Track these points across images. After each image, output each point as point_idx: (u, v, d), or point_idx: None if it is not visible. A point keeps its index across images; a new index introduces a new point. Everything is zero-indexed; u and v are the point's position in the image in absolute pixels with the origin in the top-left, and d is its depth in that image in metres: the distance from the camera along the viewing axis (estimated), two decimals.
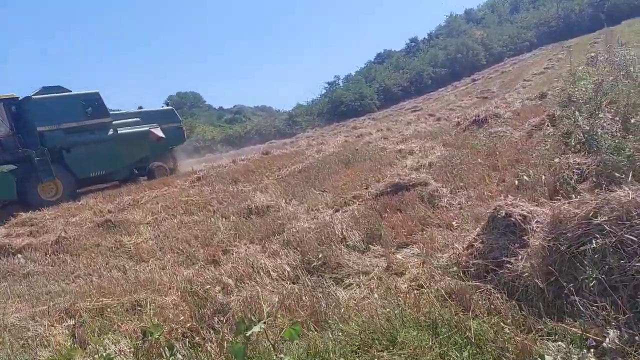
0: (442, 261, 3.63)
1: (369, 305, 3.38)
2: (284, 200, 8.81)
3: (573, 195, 4.35)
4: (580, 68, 9.10)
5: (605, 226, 2.64)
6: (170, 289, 5.13)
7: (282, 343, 2.85)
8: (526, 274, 2.85)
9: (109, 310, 4.72)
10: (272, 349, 2.26)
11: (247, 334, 2.11)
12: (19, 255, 8.21)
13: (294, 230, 6.50)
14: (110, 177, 18.65)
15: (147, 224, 9.31)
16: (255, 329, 2.09)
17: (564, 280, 2.69)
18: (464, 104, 28.84)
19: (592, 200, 2.87)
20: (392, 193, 6.71)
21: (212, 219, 8.62)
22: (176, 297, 4.80)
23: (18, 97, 16.98)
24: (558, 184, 4.56)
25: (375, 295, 3.76)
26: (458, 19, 73.75)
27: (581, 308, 2.49)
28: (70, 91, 18.08)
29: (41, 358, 3.68)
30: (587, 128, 5.05)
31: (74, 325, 4.66)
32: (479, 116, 10.66)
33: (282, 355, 2.23)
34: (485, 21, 70.98)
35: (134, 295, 4.97)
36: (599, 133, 4.73)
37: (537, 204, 3.62)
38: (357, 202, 7.31)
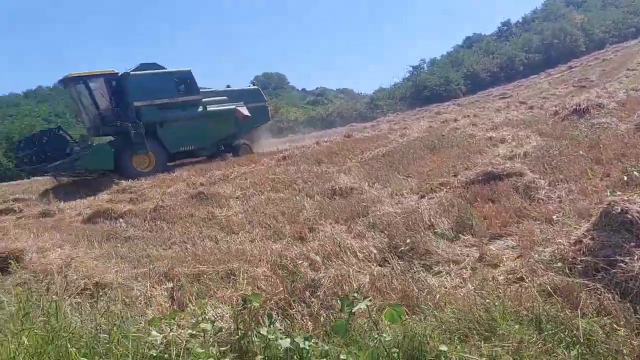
0: (545, 256, 3.49)
1: (465, 295, 3.33)
2: (367, 184, 8.83)
3: None
4: None
5: None
6: (260, 261, 5.32)
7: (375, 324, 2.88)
8: None
9: (204, 276, 4.97)
10: (373, 327, 2.29)
11: (353, 310, 2.15)
12: (121, 220, 8.84)
13: (378, 213, 6.51)
14: (198, 153, 19.53)
15: (237, 198, 9.67)
16: (361, 305, 2.13)
17: None
18: (558, 93, 27.27)
19: None
20: (483, 182, 6.52)
21: (297, 197, 8.81)
22: (266, 269, 4.97)
23: (118, 73, 18.08)
24: None
25: (469, 285, 3.70)
26: (557, 2, 69.34)
27: None
28: (165, 68, 18.98)
29: (148, 315, 3.96)
30: None
31: (172, 288, 4.96)
32: (580, 106, 10.02)
33: (384, 335, 2.26)
34: (587, 5, 66.23)
35: (228, 264, 5.20)
36: None
37: None
38: (445, 190, 7.18)
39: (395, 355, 2.24)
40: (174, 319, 3.51)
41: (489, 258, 4.24)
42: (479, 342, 2.61)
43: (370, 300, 2.23)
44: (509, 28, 73.42)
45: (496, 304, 2.86)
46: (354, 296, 2.30)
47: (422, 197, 7.24)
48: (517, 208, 5.28)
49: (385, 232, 5.46)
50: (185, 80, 19.01)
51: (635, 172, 5.04)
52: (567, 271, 3.17)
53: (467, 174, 6.99)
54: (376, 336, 2.24)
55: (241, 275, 4.80)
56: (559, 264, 3.29)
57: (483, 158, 8.24)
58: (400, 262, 4.61)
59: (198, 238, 7.31)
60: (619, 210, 3.08)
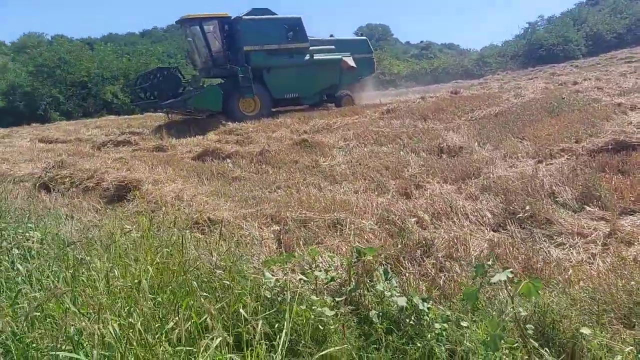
0: None
1: (598, 272, 3.06)
2: (477, 143, 8.42)
3: None
4: None
5: None
6: (365, 213, 5.27)
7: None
8: None
9: (311, 223, 5.02)
10: (509, 300, 2.14)
11: (491, 281, 2.01)
12: (228, 160, 9.16)
13: (492, 176, 6.19)
14: (302, 100, 19.66)
15: (340, 148, 9.65)
16: (501, 276, 1.98)
17: None
18: None
19: None
20: (613, 151, 5.94)
21: (402, 152, 8.61)
22: (372, 222, 4.92)
23: (231, 17, 18.38)
24: None
25: (600, 262, 3.40)
26: None
27: None
28: (276, 14, 19.04)
29: (259, 255, 4.06)
30: None
31: (279, 230, 5.08)
32: None
33: (520, 309, 2.10)
34: None
35: (333, 213, 5.19)
36: None
37: None
38: (566, 156, 6.65)
39: (530, 332, 2.09)
40: (286, 263, 3.57)
41: (621, 235, 3.87)
42: (620, 328, 2.38)
43: (512, 271, 2.06)
44: None
45: None
46: (488, 264, 2.15)
47: (540, 162, 6.77)
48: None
49: (501, 195, 5.17)
50: (294, 28, 18.89)
51: None
52: None
53: (593, 141, 6.41)
54: (511, 310, 2.09)
55: (347, 226, 4.80)
56: None
57: (612, 125, 7.51)
58: (519, 230, 4.36)
59: (302, 185, 7.40)
60: None
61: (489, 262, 2.18)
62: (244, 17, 18.08)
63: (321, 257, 3.91)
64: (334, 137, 10.55)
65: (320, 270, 3.23)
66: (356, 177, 7.49)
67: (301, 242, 4.55)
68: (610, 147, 5.99)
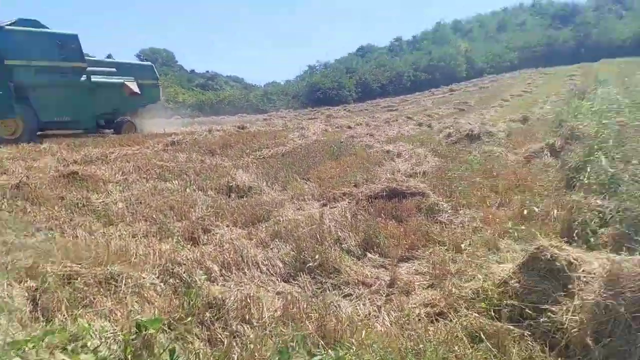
0: (466, 292, 3.35)
1: (387, 331, 3.08)
2: (265, 183, 8.42)
3: (592, 239, 4.19)
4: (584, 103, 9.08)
5: None
6: (146, 264, 4.69)
7: None
8: (574, 329, 2.61)
9: (78, 279, 4.23)
10: None
11: None
12: None
13: (281, 219, 6.15)
14: (74, 125, 17.69)
15: (117, 183, 8.72)
16: None
17: (618, 345, 2.47)
18: (441, 112, 29.00)
19: None
20: (387, 198, 6.43)
21: (188, 190, 8.15)
22: (154, 276, 4.37)
23: None
24: (576, 223, 4.38)
25: (385, 315, 3.47)
26: (446, 27, 74.25)
27: None
28: (48, 28, 16.99)
29: (8, 326, 3.20)
30: (612, 171, 4.91)
31: (36, 288, 4.17)
32: (472, 131, 10.52)
33: None
34: (472, 35, 71.76)
35: (107, 267, 4.48)
36: (626, 179, 4.58)
37: (583, 250, 3.40)
38: (347, 200, 7.00)
39: None
40: (43, 341, 2.85)
41: (401, 284, 4.06)
42: None
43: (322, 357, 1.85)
44: (400, 44, 77.20)
45: (428, 350, 2.63)
46: (291, 345, 1.91)
47: (325, 205, 7.01)
48: (423, 230, 5.22)
49: (291, 242, 5.10)
50: (69, 45, 17.18)
51: (535, 208, 5.22)
52: (493, 314, 3.05)
53: (371, 187, 6.88)
54: None
55: (124, 282, 4.16)
56: (483, 304, 3.16)
57: (383, 172, 8.23)
58: (308, 280, 4.30)
59: (69, 227, 6.39)
60: (549, 256, 3.02)
61: (291, 344, 1.93)
62: (6, 27, 15.65)
63: (91, 328, 3.24)
64: (110, 169, 9.53)
65: (87, 352, 2.63)
66: (136, 217, 6.78)
67: (64, 306, 3.76)
68: (384, 193, 6.50)
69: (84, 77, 17.52)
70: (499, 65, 60.46)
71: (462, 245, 4.60)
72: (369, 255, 4.87)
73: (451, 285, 3.65)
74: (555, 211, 5.04)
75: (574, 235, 4.41)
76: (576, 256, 2.99)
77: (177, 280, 4.26)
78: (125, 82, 18.67)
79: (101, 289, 4.06)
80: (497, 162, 8.10)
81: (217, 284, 4.34)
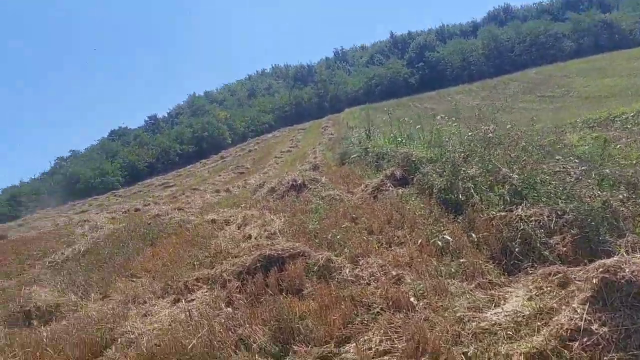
0: None
1: None
2: (74, 295, 6.30)
3: (546, 252, 3.70)
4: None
5: None
6: None
7: None
8: None
9: None
10: None
11: None
12: None
13: (131, 337, 4.38)
14: None
15: None
16: None
17: None
18: (222, 179, 28.42)
19: None
20: (263, 269, 5.18)
21: None
22: None
23: None
24: (515, 242, 3.87)
25: None
26: (201, 99, 75.28)
27: None
28: None
29: None
30: (516, 177, 4.62)
31: None
32: (296, 181, 9.87)
33: None
34: (227, 103, 74.10)
35: None
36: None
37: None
38: (206, 287, 5.49)
39: None
40: None
41: None
42: None
43: None
44: (156, 122, 75.35)
45: None
46: None
47: (177, 300, 5.38)
48: (340, 296, 4.13)
49: None
50: None
51: (447, 237, 4.63)
52: None
53: (234, 262, 5.51)
54: None
55: None
56: None
57: (230, 242, 6.90)
58: None
59: None
60: (628, 276, 2.26)
61: None
62: None
63: None
64: None
65: None
66: None
67: None
68: (258, 264, 5.21)
69: None
70: (259, 128, 63.23)
71: (412, 300, 3.65)
72: (294, 348, 3.58)
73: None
74: (474, 234, 4.52)
75: (514, 253, 3.90)
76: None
77: None
78: None
79: None
80: (345, 205, 7.51)
81: None
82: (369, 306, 3.88)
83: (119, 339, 4.42)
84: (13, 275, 8.08)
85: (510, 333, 2.75)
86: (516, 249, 4.02)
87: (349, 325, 3.68)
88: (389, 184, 7.80)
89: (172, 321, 4.55)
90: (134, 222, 10.93)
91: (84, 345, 4.38)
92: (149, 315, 5.10)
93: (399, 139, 11.60)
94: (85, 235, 10.38)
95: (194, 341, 3.60)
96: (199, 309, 4.72)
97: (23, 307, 5.89)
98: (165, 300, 5.53)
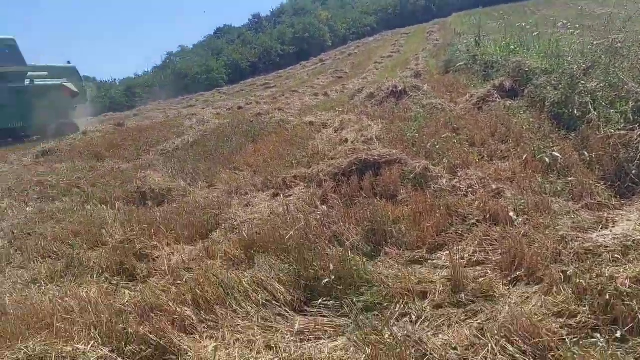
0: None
1: None
2: (184, 181, 6.81)
3: None
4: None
5: None
6: (74, 325, 3.07)
7: None
8: None
9: None
10: None
11: None
12: None
13: (237, 223, 4.72)
14: (23, 131, 17.37)
15: None
16: None
17: None
18: (321, 83, 28.26)
19: None
20: (358, 172, 5.25)
21: (88, 206, 6.31)
22: (99, 346, 2.80)
23: None
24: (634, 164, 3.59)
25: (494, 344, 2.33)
26: None
27: None
28: None
29: None
30: None
31: None
32: (396, 88, 9.65)
33: None
34: (329, 3, 71.94)
35: (18, 343, 2.81)
36: None
37: None
38: (303, 185, 5.70)
39: None
40: None
41: (472, 284, 2.94)
42: None
43: None
44: (260, 21, 75.28)
45: None
46: None
47: (276, 195, 5.66)
48: (436, 204, 4.12)
49: (274, 252, 3.74)
50: (8, 49, 16.39)
51: (556, 153, 4.38)
52: None
53: (330, 163, 5.63)
54: None
55: None
56: None
57: (327, 145, 7.03)
58: (333, 304, 3.02)
59: None
60: None
61: None
62: None
63: None
64: None
65: None
66: (28, 256, 4.94)
67: None
68: (354, 167, 5.30)
69: (27, 81, 17.04)
70: (360, 31, 61.29)
71: (511, 215, 3.57)
72: (385, 250, 3.69)
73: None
74: (586, 153, 4.25)
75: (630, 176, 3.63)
76: None
77: (144, 348, 2.74)
78: (63, 84, 18.12)
79: None
80: (447, 115, 7.27)
81: (200, 337, 2.90)
82: (465, 217, 3.85)
83: (223, 224, 4.79)
84: (130, 159, 8.88)
85: (618, 256, 2.63)
86: (633, 172, 3.75)
87: (442, 234, 3.70)
88: (496, 95, 7.39)
89: (270, 213, 4.82)
90: (237, 119, 11.39)
91: (193, 226, 4.80)
92: (249, 206, 5.44)
93: (512, 47, 10.78)
94: (193, 128, 11.03)
95: (292, 232, 3.81)
96: (295, 204, 4.94)
97: (139, 189, 6.50)
98: (264, 193, 5.85)
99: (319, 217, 4.22)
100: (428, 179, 4.79)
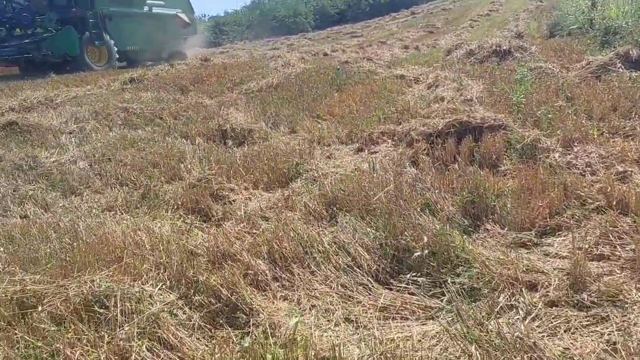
0: None
1: None
2: (265, 124, 6.55)
3: None
4: None
5: None
6: (145, 260, 2.89)
7: None
8: None
9: (34, 313, 2.41)
10: None
11: None
12: None
13: (318, 175, 4.40)
14: (141, 56, 17.95)
15: (71, 134, 6.67)
16: None
17: None
18: (411, 36, 26.92)
19: None
20: (456, 135, 4.74)
21: (168, 138, 6.22)
22: (167, 289, 2.61)
23: None
24: None
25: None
26: None
27: None
28: None
29: None
30: None
31: None
32: (500, 46, 8.82)
33: None
34: None
35: (86, 277, 2.66)
36: None
37: None
38: (390, 142, 5.26)
39: None
40: None
41: (596, 283, 2.45)
42: None
43: None
44: None
45: None
46: None
47: (360, 150, 5.28)
48: (550, 182, 3.56)
49: (358, 212, 3.38)
50: None
51: None
52: None
53: (425, 122, 5.13)
54: None
55: (119, 311, 2.37)
56: None
57: (420, 101, 6.49)
58: (423, 281, 2.65)
59: (12, 200, 4.50)
60: None
61: None
62: None
63: None
64: (59, 116, 7.40)
65: None
66: (106, 181, 4.90)
67: None
68: (452, 129, 4.79)
69: (146, 8, 17.77)
70: None
71: None
72: (486, 227, 3.24)
73: None
74: None
75: None
76: None
77: (213, 301, 2.51)
78: (177, 14, 18.98)
79: (83, 328, 2.26)
80: (558, 81, 6.49)
81: (273, 297, 2.64)
82: (584, 200, 3.29)
83: (304, 175, 4.48)
84: (213, 95, 8.73)
85: None
86: None
87: (555, 217, 3.18)
88: (619, 65, 6.49)
89: (355, 169, 4.45)
90: (322, 65, 10.95)
91: (272, 172, 4.53)
92: (332, 158, 5.11)
93: None
94: (277, 70, 10.73)
95: (381, 194, 3.42)
96: (382, 162, 4.54)
97: (221, 126, 6.32)
98: (348, 147, 5.49)
99: (410, 180, 3.80)
100: (537, 151, 4.21)
